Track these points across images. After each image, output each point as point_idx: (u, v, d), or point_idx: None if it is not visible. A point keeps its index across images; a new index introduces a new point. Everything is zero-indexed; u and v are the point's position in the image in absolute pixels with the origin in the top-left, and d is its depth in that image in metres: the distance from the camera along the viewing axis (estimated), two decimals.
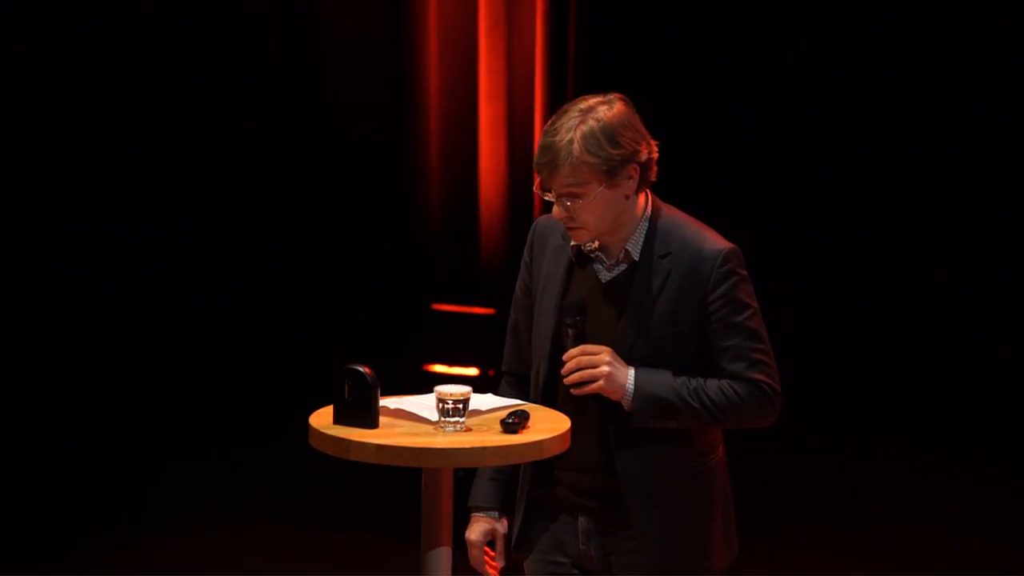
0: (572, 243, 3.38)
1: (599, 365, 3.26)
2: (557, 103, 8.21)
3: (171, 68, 8.47)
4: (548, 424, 3.18)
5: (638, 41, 8.18)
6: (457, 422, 3.10)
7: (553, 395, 3.38)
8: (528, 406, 3.25)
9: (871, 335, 8.29)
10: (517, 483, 3.50)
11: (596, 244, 3.36)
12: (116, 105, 8.34)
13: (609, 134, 3.23)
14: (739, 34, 8.14)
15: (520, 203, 8.58)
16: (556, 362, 3.34)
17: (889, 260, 8.25)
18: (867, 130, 8.18)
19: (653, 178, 3.34)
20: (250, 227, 8.79)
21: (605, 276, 3.37)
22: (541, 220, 3.52)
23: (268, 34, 8.85)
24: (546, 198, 3.32)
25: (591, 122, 3.23)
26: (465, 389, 3.11)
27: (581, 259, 3.39)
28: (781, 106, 8.14)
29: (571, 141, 3.22)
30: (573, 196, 3.25)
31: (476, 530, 3.48)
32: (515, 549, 3.52)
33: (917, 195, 8.17)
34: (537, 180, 3.31)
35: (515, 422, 3.10)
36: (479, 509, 3.48)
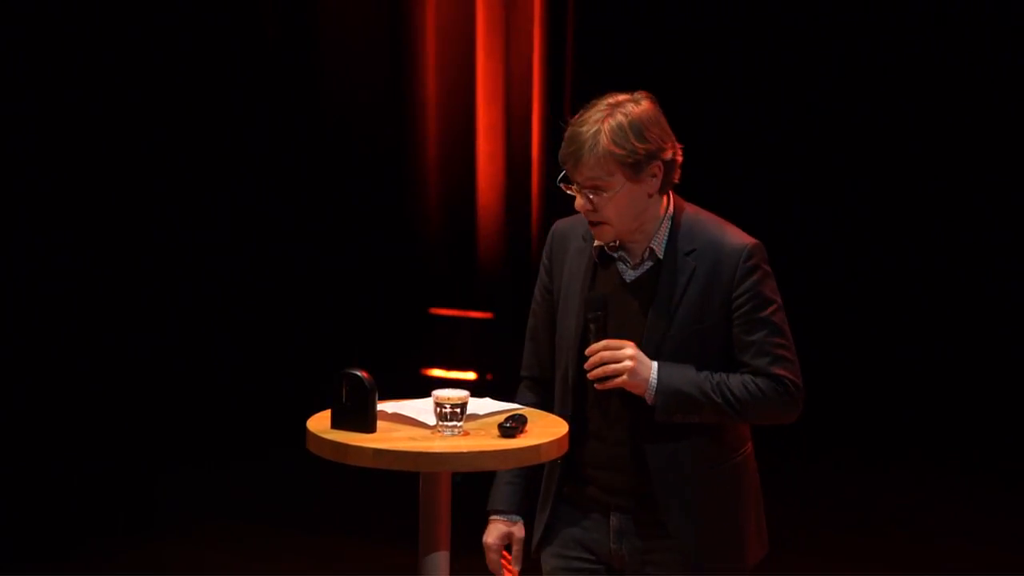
0: (596, 243, 3.39)
1: (622, 360, 3.26)
2: (555, 106, 8.26)
3: (169, 71, 8.47)
4: (545, 428, 3.18)
5: (636, 44, 8.18)
6: (455, 426, 3.10)
7: (584, 394, 3.38)
8: (525, 410, 3.25)
9: (869, 340, 8.29)
10: (536, 486, 3.50)
11: (618, 243, 3.37)
12: (115, 107, 8.34)
13: (636, 128, 3.26)
14: (737, 37, 8.15)
15: (518, 207, 8.58)
16: (583, 361, 3.34)
17: (889, 264, 8.25)
18: (867, 129, 8.18)
19: (676, 180, 3.36)
20: (248, 230, 8.79)
21: (630, 275, 3.37)
22: (560, 224, 3.53)
23: (265, 37, 8.85)
24: (568, 192, 3.33)
25: (619, 116, 3.26)
26: (463, 393, 3.11)
27: (604, 259, 3.40)
28: (782, 106, 8.15)
29: (598, 132, 3.25)
30: (597, 189, 3.26)
31: (493, 533, 3.48)
32: (540, 545, 3.51)
33: (920, 195, 8.18)
34: (561, 175, 3.33)
35: (512, 426, 3.10)
36: (497, 512, 3.48)
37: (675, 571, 3.37)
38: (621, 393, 3.31)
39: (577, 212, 3.35)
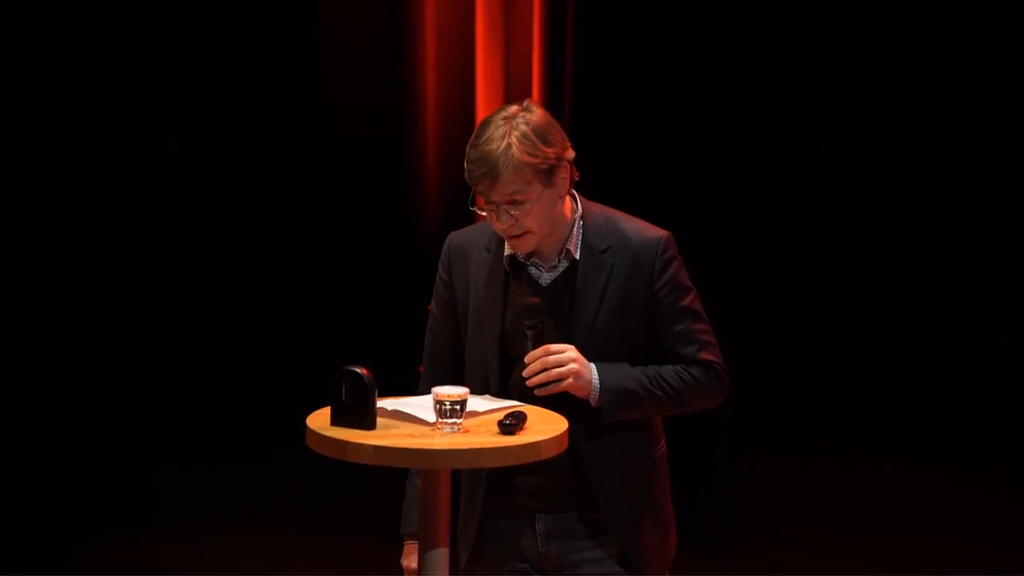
0: (507, 253, 3.40)
1: (566, 363, 3.29)
2: (554, 107, 8.25)
3: (168, 72, 8.47)
4: (545, 425, 3.19)
5: (636, 45, 8.18)
6: (454, 423, 3.10)
7: None
8: (525, 407, 3.26)
9: (864, 339, 8.29)
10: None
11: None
12: (115, 107, 8.34)
13: (541, 134, 3.28)
14: (736, 38, 8.15)
15: None
16: (506, 370, 3.37)
17: (884, 261, 8.25)
18: (866, 129, 8.19)
19: (577, 177, 3.39)
20: (247, 230, 8.79)
21: (545, 279, 3.40)
22: (455, 236, 3.55)
23: (265, 37, 8.85)
24: (483, 213, 3.34)
25: (521, 126, 3.27)
26: (462, 390, 3.12)
27: (515, 267, 3.41)
28: (781, 107, 8.15)
29: (508, 146, 3.25)
30: (516, 203, 3.27)
31: (412, 556, 3.46)
32: (470, 562, 3.51)
33: (916, 194, 8.19)
34: (472, 197, 3.34)
35: (512, 423, 3.11)
36: (414, 536, 3.44)
37: (611, 567, 3.40)
38: (548, 397, 3.31)
39: (471, 224, 3.38)
